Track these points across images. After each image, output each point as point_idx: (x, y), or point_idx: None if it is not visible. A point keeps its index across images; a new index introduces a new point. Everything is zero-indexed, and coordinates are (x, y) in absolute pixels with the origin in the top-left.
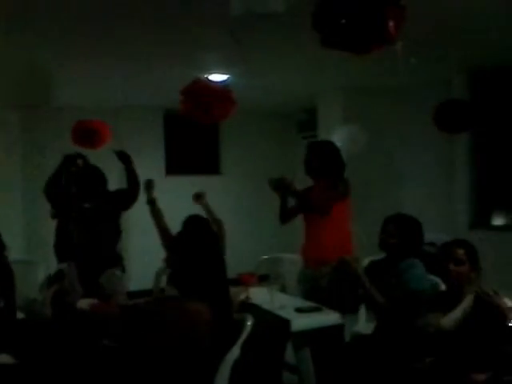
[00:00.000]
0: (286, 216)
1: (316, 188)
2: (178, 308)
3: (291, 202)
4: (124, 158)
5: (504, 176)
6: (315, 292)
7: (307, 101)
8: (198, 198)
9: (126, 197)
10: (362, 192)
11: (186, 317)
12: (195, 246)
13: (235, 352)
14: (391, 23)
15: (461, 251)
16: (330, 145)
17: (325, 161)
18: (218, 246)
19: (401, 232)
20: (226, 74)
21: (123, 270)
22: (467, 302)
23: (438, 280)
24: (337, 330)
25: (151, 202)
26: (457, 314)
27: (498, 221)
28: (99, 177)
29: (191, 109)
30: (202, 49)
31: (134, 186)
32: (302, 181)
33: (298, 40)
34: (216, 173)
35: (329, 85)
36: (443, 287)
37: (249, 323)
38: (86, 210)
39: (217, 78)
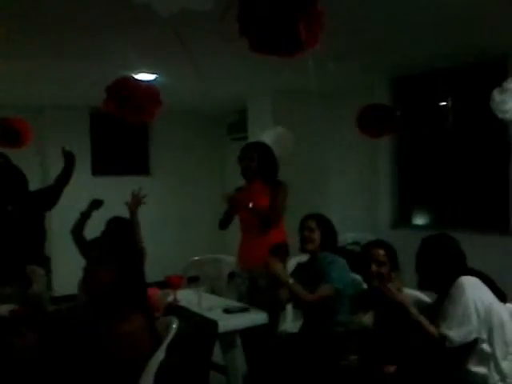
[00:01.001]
0: (226, 224)
1: (249, 189)
2: (113, 334)
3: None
4: (70, 159)
5: (424, 178)
6: (254, 293)
7: (237, 102)
8: (136, 201)
9: (50, 196)
10: (292, 192)
11: (122, 339)
12: (118, 249)
13: (160, 355)
14: (305, 28)
15: (381, 252)
16: (265, 146)
17: (261, 162)
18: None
19: (321, 227)
20: (155, 73)
21: (49, 271)
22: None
23: (360, 279)
24: (270, 329)
25: (85, 216)
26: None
27: (418, 220)
28: (21, 177)
29: (115, 107)
30: (129, 47)
31: (61, 186)
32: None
33: (227, 42)
34: (145, 174)
35: (259, 87)
36: (365, 286)
37: (174, 326)
38: (9, 212)
39: (145, 77)
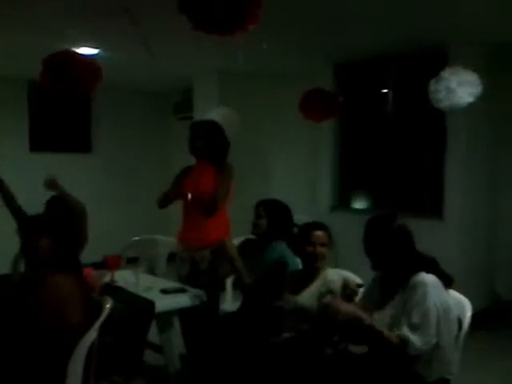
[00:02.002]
0: (165, 203)
1: (197, 169)
2: (36, 283)
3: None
4: None
5: (363, 163)
6: (195, 275)
7: (184, 82)
8: (51, 185)
9: None
10: (237, 176)
11: (45, 289)
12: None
13: (91, 335)
14: (244, 7)
15: (323, 233)
16: (215, 125)
17: (210, 140)
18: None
19: (269, 214)
20: (97, 47)
21: None
22: (320, 280)
23: (298, 260)
24: (210, 310)
25: None
26: (312, 291)
27: (357, 204)
28: None
29: (50, 81)
30: (70, 20)
31: None
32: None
33: (172, 21)
34: (87, 151)
35: (204, 67)
36: (300, 266)
37: (107, 306)
38: None
39: (86, 51)
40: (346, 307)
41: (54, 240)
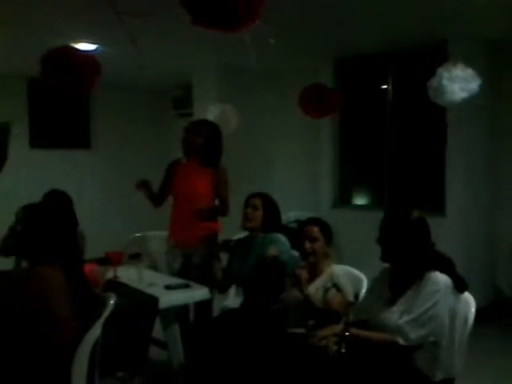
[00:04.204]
0: (158, 201)
1: (187, 167)
2: (24, 274)
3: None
4: (2, 133)
5: (364, 159)
6: (187, 269)
7: (183, 78)
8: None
9: None
10: (233, 173)
11: (32, 280)
12: (50, 215)
13: (96, 332)
14: (244, 3)
15: (315, 229)
16: (215, 126)
17: (207, 140)
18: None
19: (265, 206)
20: (96, 43)
21: None
22: (326, 275)
23: (298, 255)
24: (206, 304)
25: None
26: (317, 285)
27: (358, 200)
28: None
29: (50, 77)
30: (68, 16)
31: (1, 161)
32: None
33: (172, 16)
34: (86, 147)
35: (204, 63)
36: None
37: (111, 302)
38: None
39: (85, 47)
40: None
41: (39, 230)
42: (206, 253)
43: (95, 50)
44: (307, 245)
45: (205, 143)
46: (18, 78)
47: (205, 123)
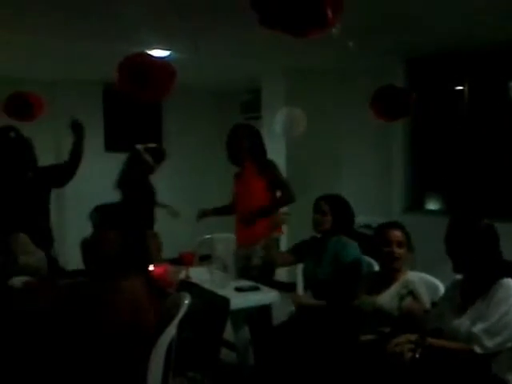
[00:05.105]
0: (231, 211)
1: (244, 175)
2: (113, 288)
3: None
4: (78, 130)
5: (438, 162)
6: (247, 269)
7: (251, 81)
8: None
9: (64, 172)
10: (300, 176)
11: (123, 295)
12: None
13: (171, 331)
14: (328, 8)
15: (400, 233)
16: (252, 127)
17: (251, 142)
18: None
19: (334, 211)
20: (168, 49)
21: (51, 245)
22: (402, 282)
23: (372, 261)
24: (265, 308)
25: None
26: (392, 293)
27: (431, 205)
28: (31, 151)
29: (128, 84)
30: (143, 24)
31: (76, 161)
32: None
33: (241, 19)
34: None
35: (273, 66)
36: (376, 268)
37: (186, 302)
38: (28, 179)
39: (158, 53)
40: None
41: (123, 234)
42: (265, 253)
43: (168, 56)
44: (396, 250)
45: (251, 144)
46: (95, 83)
47: (242, 126)
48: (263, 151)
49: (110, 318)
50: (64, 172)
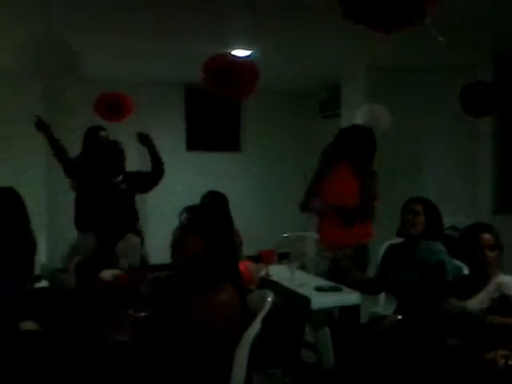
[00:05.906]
0: (305, 209)
1: (335, 175)
2: (208, 304)
3: None
4: (144, 139)
5: None
6: (335, 273)
7: (330, 79)
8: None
9: (149, 181)
10: (385, 175)
11: (217, 312)
12: (215, 223)
13: (256, 327)
14: (427, 3)
15: (490, 236)
16: (366, 130)
17: (358, 142)
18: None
19: (428, 212)
20: (250, 49)
21: (142, 243)
22: (493, 286)
23: (460, 264)
24: (353, 310)
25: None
26: (483, 298)
27: None
28: (120, 152)
29: (214, 83)
30: (226, 25)
31: (159, 171)
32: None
33: (322, 15)
34: (236, 150)
35: (353, 63)
36: (466, 271)
37: (269, 299)
38: (118, 182)
39: (240, 53)
40: None
41: (205, 238)
42: (355, 257)
43: (249, 55)
44: (489, 253)
45: (360, 148)
46: (177, 84)
47: (359, 129)
48: (370, 157)
49: (206, 318)
50: (149, 181)
